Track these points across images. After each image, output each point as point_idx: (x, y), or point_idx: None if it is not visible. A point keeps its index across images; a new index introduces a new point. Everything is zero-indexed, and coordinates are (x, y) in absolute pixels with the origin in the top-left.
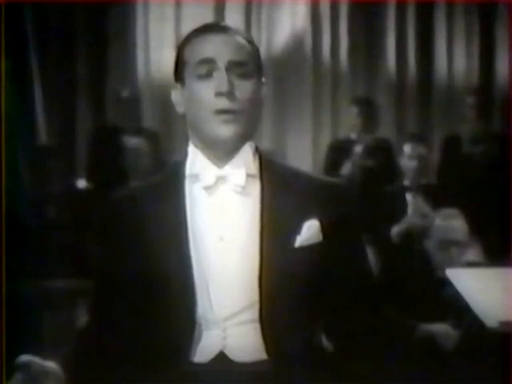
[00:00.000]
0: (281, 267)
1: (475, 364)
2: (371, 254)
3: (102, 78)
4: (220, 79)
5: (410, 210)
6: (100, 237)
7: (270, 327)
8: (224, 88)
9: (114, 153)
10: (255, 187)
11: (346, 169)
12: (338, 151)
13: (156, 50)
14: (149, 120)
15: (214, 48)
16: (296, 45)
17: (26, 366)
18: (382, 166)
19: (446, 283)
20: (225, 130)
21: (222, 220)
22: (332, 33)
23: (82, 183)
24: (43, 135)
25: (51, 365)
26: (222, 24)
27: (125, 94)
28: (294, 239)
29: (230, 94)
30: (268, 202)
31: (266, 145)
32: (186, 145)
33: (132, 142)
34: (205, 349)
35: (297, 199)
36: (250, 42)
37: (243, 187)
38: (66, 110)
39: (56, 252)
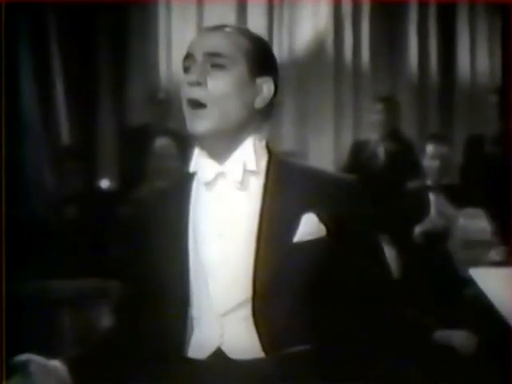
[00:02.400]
0: (276, 263)
1: (491, 368)
2: (394, 254)
3: (124, 78)
4: (193, 70)
5: (432, 210)
6: (117, 237)
7: (263, 324)
8: (193, 77)
9: (140, 153)
10: (257, 184)
11: (371, 147)
12: (360, 151)
13: (178, 50)
14: (172, 120)
15: (195, 43)
16: (318, 45)
17: (25, 365)
18: (404, 166)
19: (469, 283)
20: (197, 125)
21: (221, 216)
22: (354, 33)
23: (104, 183)
24: (65, 136)
25: (55, 364)
26: (226, 24)
27: (148, 94)
28: (292, 234)
29: (199, 84)
30: (269, 198)
31: (287, 145)
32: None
33: (157, 142)
34: (203, 345)
35: (297, 194)
36: (253, 38)
37: (240, 183)
38: (88, 110)
39: (77, 252)
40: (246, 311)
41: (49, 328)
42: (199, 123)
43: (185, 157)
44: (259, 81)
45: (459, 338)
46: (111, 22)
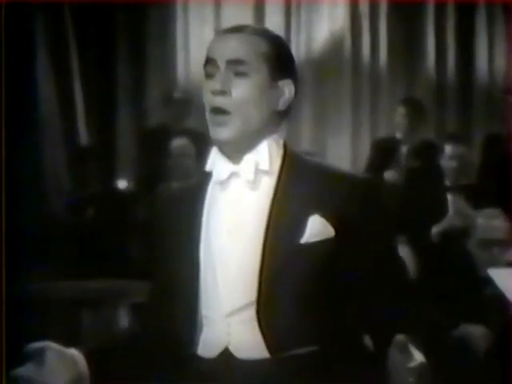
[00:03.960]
0: (281, 264)
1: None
2: (411, 254)
3: (142, 79)
4: (217, 78)
5: (450, 210)
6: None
7: (267, 325)
8: (217, 86)
9: (158, 153)
10: (269, 183)
11: (390, 174)
12: (383, 150)
13: (196, 51)
14: (190, 120)
15: (217, 48)
16: (335, 45)
17: (41, 352)
18: (427, 166)
19: (487, 282)
20: (219, 132)
21: (232, 215)
22: (371, 33)
23: (122, 184)
24: (83, 136)
25: (73, 352)
26: (244, 25)
27: (166, 94)
28: (299, 235)
29: (223, 93)
30: (279, 198)
31: (305, 145)
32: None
33: (175, 142)
34: (211, 344)
35: (308, 194)
36: (272, 40)
37: (253, 182)
38: (106, 110)
39: (94, 252)
40: (251, 312)
41: (67, 329)
42: (222, 131)
43: (202, 156)
44: (280, 84)
45: (476, 332)
46: (129, 22)
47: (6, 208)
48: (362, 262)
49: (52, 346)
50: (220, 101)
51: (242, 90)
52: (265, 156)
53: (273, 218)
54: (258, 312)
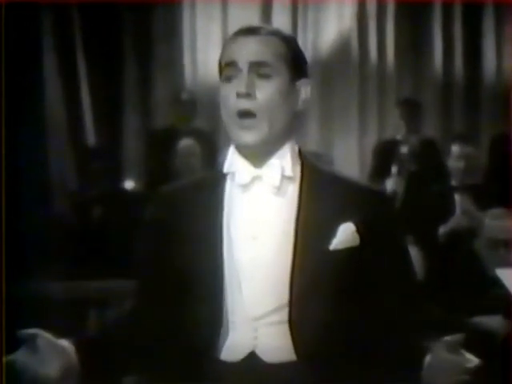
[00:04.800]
0: (313, 269)
1: None
2: (418, 255)
3: (149, 79)
4: (240, 81)
5: (457, 210)
6: (142, 233)
7: (299, 329)
8: (242, 89)
9: (165, 154)
10: (293, 189)
11: (394, 177)
12: (384, 152)
13: (203, 50)
14: (197, 120)
15: (237, 51)
16: (342, 46)
17: (33, 338)
18: (428, 167)
19: (495, 283)
20: (246, 136)
21: (256, 219)
22: (378, 33)
23: (129, 184)
24: (90, 137)
25: (64, 343)
26: (257, 25)
27: (173, 94)
28: (328, 242)
29: (248, 95)
30: (305, 204)
31: (311, 146)
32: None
33: (182, 143)
34: (236, 348)
35: (334, 203)
36: (287, 41)
37: (278, 188)
38: (113, 111)
39: (102, 253)
40: (281, 316)
41: (70, 329)
42: (248, 135)
43: (209, 157)
44: (298, 84)
45: (495, 322)
46: (136, 22)
47: (12, 208)
48: (382, 266)
49: (43, 334)
50: (245, 104)
51: (266, 93)
52: (288, 162)
53: (301, 224)
54: (290, 315)
